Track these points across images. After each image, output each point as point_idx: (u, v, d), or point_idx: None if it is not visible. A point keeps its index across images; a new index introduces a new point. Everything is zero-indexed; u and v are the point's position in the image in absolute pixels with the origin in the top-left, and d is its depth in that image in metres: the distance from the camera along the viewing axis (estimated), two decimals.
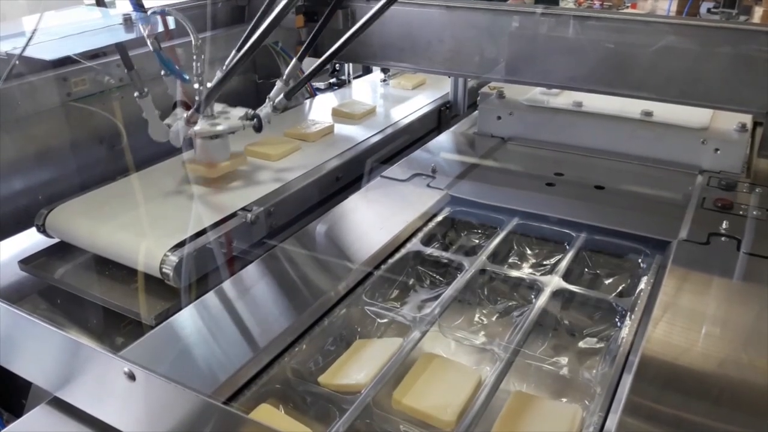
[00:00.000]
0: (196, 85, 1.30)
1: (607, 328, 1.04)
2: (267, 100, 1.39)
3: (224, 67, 1.31)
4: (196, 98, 1.30)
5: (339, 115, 1.78)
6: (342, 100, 1.94)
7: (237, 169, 1.38)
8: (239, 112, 1.38)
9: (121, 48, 1.31)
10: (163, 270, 1.07)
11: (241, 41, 1.37)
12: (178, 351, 0.89)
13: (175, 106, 1.35)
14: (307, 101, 1.95)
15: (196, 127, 1.30)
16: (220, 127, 1.32)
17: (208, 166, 1.34)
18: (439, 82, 2.06)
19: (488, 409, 0.84)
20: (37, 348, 0.83)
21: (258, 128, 1.35)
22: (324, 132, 1.63)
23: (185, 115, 1.28)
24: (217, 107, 1.38)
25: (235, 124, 1.33)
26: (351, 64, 2.22)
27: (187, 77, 1.32)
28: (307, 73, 1.42)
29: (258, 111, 1.37)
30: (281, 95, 1.38)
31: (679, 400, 0.80)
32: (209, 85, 1.29)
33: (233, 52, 1.36)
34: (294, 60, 1.42)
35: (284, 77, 1.39)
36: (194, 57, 1.29)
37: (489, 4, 1.57)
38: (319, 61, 1.38)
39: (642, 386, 0.81)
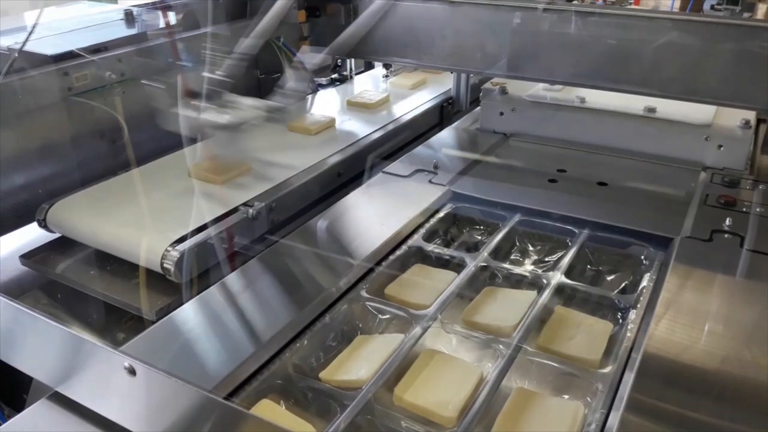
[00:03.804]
0: (205, 74, 1.29)
1: None
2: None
3: (233, 55, 1.30)
4: (205, 87, 1.29)
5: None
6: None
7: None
8: (248, 101, 1.37)
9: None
10: (164, 265, 1.07)
11: (250, 26, 1.35)
12: (179, 346, 0.89)
13: (188, 94, 1.33)
14: (309, 96, 1.95)
15: (205, 117, 1.29)
16: (229, 117, 1.31)
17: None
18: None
19: (490, 406, 0.84)
20: (38, 343, 0.82)
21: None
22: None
23: (194, 105, 1.27)
24: (227, 97, 1.37)
25: (245, 114, 1.32)
26: (353, 60, 2.21)
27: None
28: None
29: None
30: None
31: (682, 398, 0.80)
32: (219, 73, 1.28)
33: (241, 38, 1.34)
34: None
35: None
36: (204, 45, 1.27)
37: None
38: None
39: (644, 383, 0.81)
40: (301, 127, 1.61)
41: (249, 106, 1.35)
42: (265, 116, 1.35)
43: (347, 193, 1.33)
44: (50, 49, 1.36)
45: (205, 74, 1.30)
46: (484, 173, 1.42)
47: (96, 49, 1.42)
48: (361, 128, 1.66)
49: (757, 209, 1.21)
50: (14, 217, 1.28)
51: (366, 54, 1.88)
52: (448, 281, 1.08)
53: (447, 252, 1.17)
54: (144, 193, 1.29)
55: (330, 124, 1.65)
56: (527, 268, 1.17)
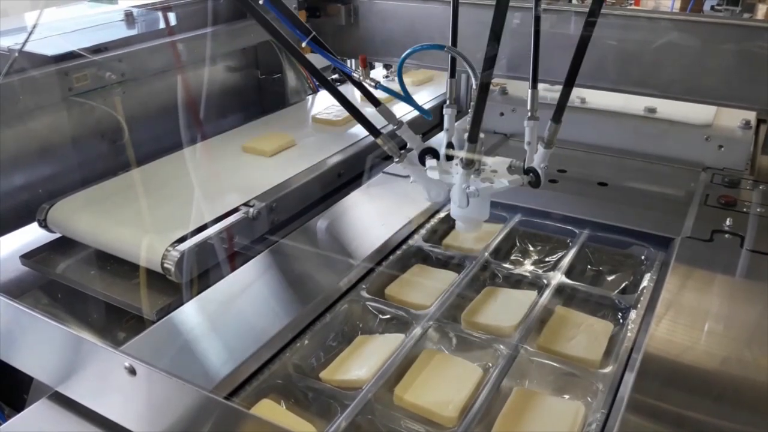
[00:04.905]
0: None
1: None
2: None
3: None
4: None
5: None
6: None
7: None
8: (499, 162, 1.05)
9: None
10: (165, 265, 1.07)
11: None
12: (180, 346, 0.89)
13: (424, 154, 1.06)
14: (309, 97, 1.95)
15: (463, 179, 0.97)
16: (497, 183, 0.98)
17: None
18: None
19: (490, 406, 0.84)
20: (38, 343, 0.82)
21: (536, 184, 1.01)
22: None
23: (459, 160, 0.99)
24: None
25: (513, 179, 0.99)
26: (354, 60, 2.21)
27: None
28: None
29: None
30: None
31: (682, 398, 0.80)
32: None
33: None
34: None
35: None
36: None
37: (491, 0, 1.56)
38: None
39: (645, 383, 0.81)
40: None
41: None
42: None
43: (347, 194, 1.33)
44: (50, 49, 1.36)
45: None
46: None
47: (96, 49, 1.42)
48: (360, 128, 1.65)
49: (758, 209, 1.21)
50: (15, 217, 1.28)
51: (366, 54, 1.88)
52: (449, 281, 1.08)
53: (447, 252, 1.17)
54: (144, 194, 1.29)
55: (291, 143, 1.50)
56: (527, 268, 1.17)
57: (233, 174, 1.37)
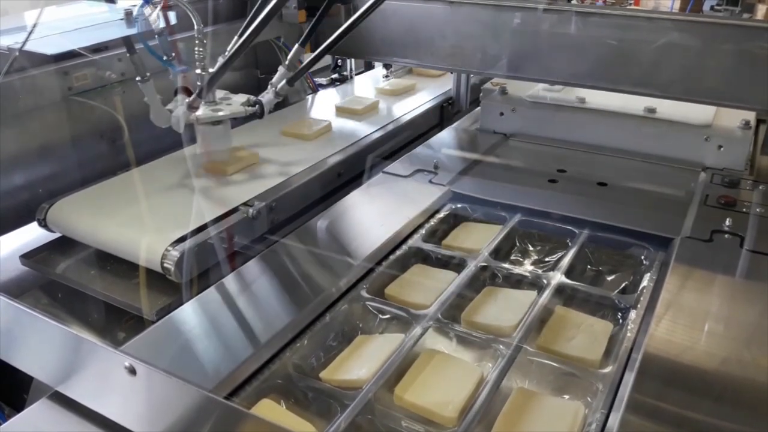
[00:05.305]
0: (198, 71, 1.30)
1: None
2: (269, 86, 1.38)
3: (226, 53, 1.31)
4: (198, 84, 1.29)
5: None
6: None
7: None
8: (241, 98, 1.38)
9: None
10: (165, 265, 1.07)
11: (243, 26, 1.35)
12: (180, 346, 0.89)
13: (176, 92, 1.33)
14: (309, 96, 1.95)
15: (198, 113, 1.30)
16: (221, 113, 1.32)
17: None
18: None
19: (490, 406, 0.84)
20: (38, 342, 0.82)
21: (260, 114, 1.35)
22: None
23: (187, 101, 1.27)
24: (219, 94, 1.38)
25: (236, 110, 1.34)
26: (353, 60, 2.21)
27: (180, 67, 1.31)
28: (310, 58, 1.40)
29: (260, 97, 1.37)
30: (284, 81, 1.37)
31: (682, 398, 0.80)
32: (211, 70, 1.28)
33: (235, 38, 1.35)
34: (297, 45, 1.42)
35: (287, 62, 1.39)
36: (196, 42, 1.28)
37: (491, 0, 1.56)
38: (323, 46, 1.35)
39: (644, 383, 0.81)
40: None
41: (240, 102, 1.35)
42: (253, 111, 1.35)
43: (347, 193, 1.33)
44: (50, 48, 1.36)
45: (198, 71, 1.30)
46: (484, 173, 1.42)
47: (96, 48, 1.42)
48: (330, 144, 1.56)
49: (757, 209, 1.22)
50: (14, 216, 1.28)
51: (366, 54, 1.88)
52: (449, 281, 1.08)
53: (447, 252, 1.17)
54: (144, 193, 1.29)
55: (254, 160, 1.44)
56: (527, 268, 1.17)
57: (186, 197, 1.28)
